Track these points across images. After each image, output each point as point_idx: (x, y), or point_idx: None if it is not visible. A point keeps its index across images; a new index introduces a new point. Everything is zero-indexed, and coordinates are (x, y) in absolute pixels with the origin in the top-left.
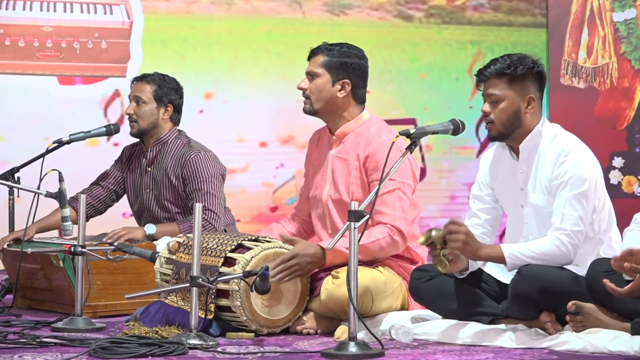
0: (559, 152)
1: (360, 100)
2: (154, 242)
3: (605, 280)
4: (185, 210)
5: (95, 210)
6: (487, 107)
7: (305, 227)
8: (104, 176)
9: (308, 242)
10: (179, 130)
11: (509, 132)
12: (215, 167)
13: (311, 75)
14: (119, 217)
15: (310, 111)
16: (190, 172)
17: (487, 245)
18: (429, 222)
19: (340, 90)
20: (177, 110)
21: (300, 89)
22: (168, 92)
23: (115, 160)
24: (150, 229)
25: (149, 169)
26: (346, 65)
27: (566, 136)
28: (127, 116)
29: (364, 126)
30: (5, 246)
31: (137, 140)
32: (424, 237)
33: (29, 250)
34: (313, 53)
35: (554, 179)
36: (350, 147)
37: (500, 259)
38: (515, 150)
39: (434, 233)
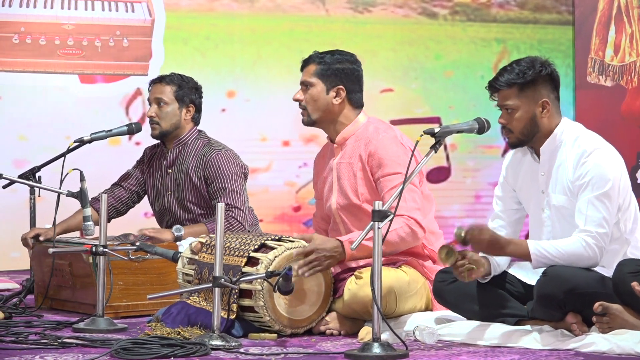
0: (580, 153)
1: (357, 104)
2: (177, 242)
3: (634, 284)
4: (208, 211)
5: (117, 211)
6: (503, 119)
7: None
8: (125, 177)
9: (326, 237)
10: (199, 131)
11: (528, 138)
12: (237, 166)
13: (305, 86)
14: (140, 217)
15: (309, 122)
16: (212, 171)
17: (513, 241)
18: (454, 221)
19: (335, 97)
20: (198, 109)
21: (295, 100)
22: (189, 92)
23: (137, 161)
24: (178, 230)
25: (170, 170)
26: (339, 72)
27: (588, 136)
28: (149, 119)
29: (363, 128)
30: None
31: (158, 141)
32: (446, 256)
33: (50, 250)
34: (305, 63)
35: (576, 180)
36: (351, 151)
37: (525, 255)
38: (537, 152)
39: (450, 253)
